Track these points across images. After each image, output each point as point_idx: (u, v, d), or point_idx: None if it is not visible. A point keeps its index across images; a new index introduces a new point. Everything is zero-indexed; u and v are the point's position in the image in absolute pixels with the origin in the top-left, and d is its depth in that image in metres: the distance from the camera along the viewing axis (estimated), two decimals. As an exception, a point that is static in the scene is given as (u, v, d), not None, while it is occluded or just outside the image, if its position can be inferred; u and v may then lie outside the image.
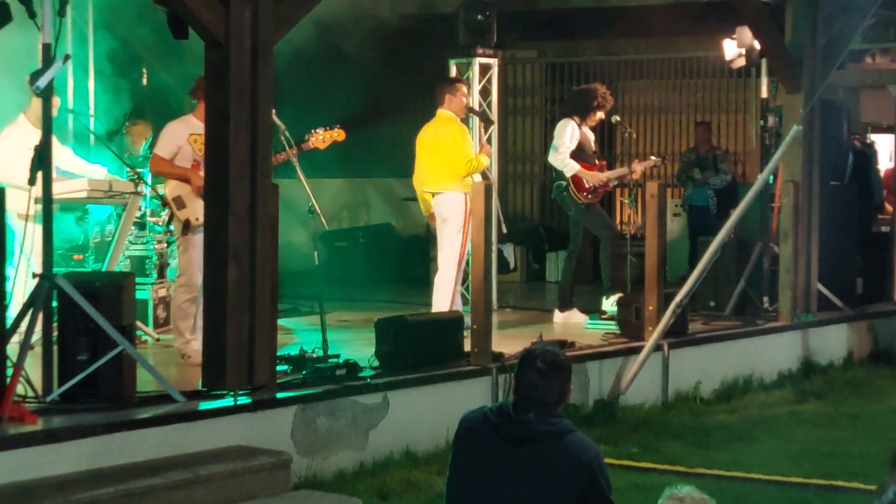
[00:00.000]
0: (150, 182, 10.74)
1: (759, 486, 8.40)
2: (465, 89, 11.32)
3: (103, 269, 10.42)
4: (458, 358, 9.51)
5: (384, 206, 18.19)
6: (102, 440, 7.17)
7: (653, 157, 12.84)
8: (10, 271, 7.80)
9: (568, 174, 11.91)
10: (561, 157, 11.92)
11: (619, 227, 13.24)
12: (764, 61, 13.15)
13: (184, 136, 9.59)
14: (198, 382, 8.16)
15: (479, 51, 13.55)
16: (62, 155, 10.17)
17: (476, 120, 13.46)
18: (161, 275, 11.19)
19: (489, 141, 12.83)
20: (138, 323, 9.41)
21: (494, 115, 13.74)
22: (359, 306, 12.66)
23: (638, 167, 12.37)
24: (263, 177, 8.12)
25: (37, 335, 7.86)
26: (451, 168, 11.04)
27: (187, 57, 10.27)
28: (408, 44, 16.69)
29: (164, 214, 10.18)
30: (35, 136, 9.85)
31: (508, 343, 10.06)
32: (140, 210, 11.13)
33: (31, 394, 7.51)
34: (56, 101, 9.86)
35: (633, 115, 18.22)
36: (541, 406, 5.11)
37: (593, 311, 12.08)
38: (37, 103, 9.84)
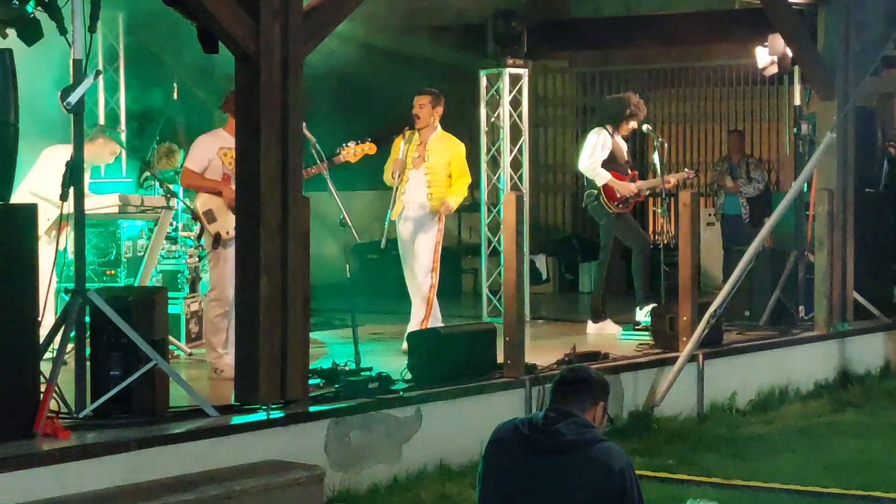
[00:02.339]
0: (181, 196, 10.75)
1: (796, 498, 8.32)
2: (413, 102, 11.07)
3: (135, 284, 10.43)
4: (491, 370, 9.47)
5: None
6: (136, 455, 7.17)
7: (686, 170, 12.78)
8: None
9: (599, 183, 11.86)
10: (592, 166, 11.87)
11: (650, 237, 13.17)
12: (796, 69, 13.07)
13: (214, 149, 9.60)
14: (230, 397, 8.15)
15: (510, 61, 13.54)
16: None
17: (504, 132, 13.45)
18: (193, 289, 11.21)
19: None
20: (171, 337, 9.41)
21: (525, 126, 13.71)
22: (391, 319, 12.62)
23: (671, 178, 12.33)
24: (295, 190, 8.11)
25: (69, 351, 7.87)
26: None
27: (217, 71, 10.28)
28: (438, 55, 16.68)
29: (196, 228, 10.19)
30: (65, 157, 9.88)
31: (542, 355, 10.02)
32: (172, 224, 11.14)
33: (64, 410, 7.51)
34: (105, 141, 9.98)
35: (665, 125, 18.17)
36: (571, 418, 5.10)
37: (627, 321, 12.03)
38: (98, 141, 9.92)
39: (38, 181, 9.80)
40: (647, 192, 12.61)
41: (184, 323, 10.85)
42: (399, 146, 10.95)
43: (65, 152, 9.86)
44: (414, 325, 10.73)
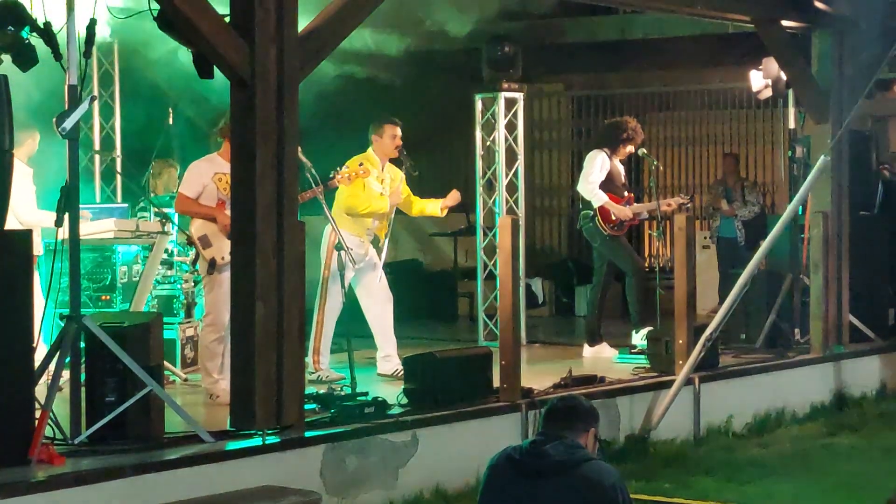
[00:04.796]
0: (176, 222, 10.75)
1: (793, 521, 8.33)
2: (395, 131, 10.77)
3: (130, 310, 10.42)
4: (487, 394, 9.46)
5: (411, 242, 18.18)
6: (131, 482, 7.16)
7: (681, 196, 12.77)
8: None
9: (596, 205, 11.88)
10: (590, 188, 11.89)
11: (644, 260, 13.13)
12: (791, 92, 13.10)
13: (209, 175, 9.60)
14: (226, 422, 8.14)
15: (505, 85, 13.55)
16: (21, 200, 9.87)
17: (500, 156, 13.46)
18: (188, 314, 11.20)
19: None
20: (166, 363, 9.40)
21: (521, 150, 13.71)
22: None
23: (672, 202, 12.32)
24: (290, 214, 8.12)
25: (64, 377, 7.86)
26: (337, 202, 10.65)
27: (213, 96, 10.28)
28: (433, 79, 16.69)
29: (191, 253, 10.20)
30: (24, 172, 9.88)
31: (538, 378, 10.02)
32: (167, 249, 11.14)
33: (59, 436, 7.51)
34: (35, 136, 9.92)
35: (661, 148, 18.18)
36: (560, 440, 5.14)
37: (623, 345, 12.02)
38: (28, 141, 9.89)
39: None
40: (646, 216, 12.61)
41: (179, 348, 10.84)
42: (367, 179, 10.59)
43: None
44: (394, 350, 10.75)
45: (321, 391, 9.25)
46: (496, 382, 9.53)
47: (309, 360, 10.28)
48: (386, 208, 10.75)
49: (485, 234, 13.82)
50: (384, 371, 10.70)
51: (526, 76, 14.04)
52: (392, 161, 10.91)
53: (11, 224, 8.77)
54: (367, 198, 10.62)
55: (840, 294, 12.58)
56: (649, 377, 10.74)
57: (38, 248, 9.63)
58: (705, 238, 16.53)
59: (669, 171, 18.19)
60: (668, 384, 10.44)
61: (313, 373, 10.32)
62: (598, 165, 11.94)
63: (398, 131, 10.82)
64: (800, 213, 12.67)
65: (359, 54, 13.09)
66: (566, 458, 5.08)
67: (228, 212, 8.73)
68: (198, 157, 9.94)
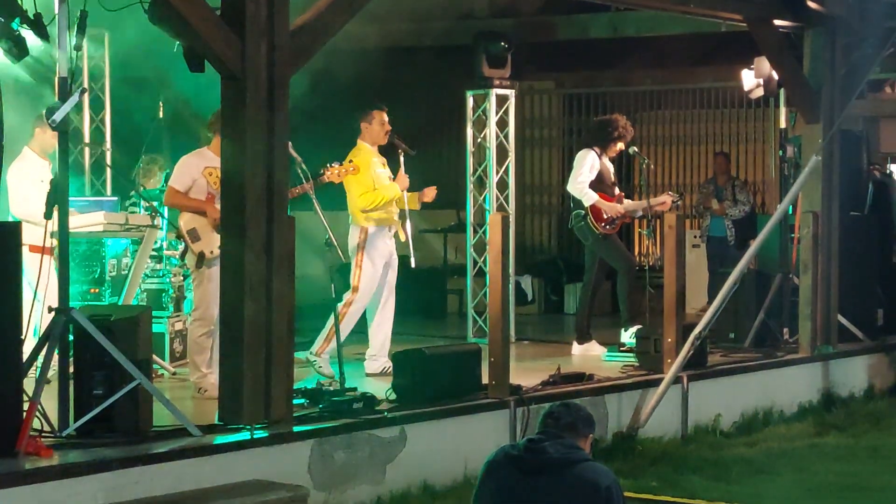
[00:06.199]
0: (165, 215, 10.75)
1: (780, 520, 8.34)
2: (382, 117, 10.76)
3: (119, 303, 10.41)
4: (475, 391, 9.46)
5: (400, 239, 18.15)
6: (119, 475, 7.15)
7: (669, 193, 12.77)
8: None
9: (586, 204, 11.87)
10: (580, 187, 11.89)
11: (636, 259, 13.12)
12: (782, 91, 13.11)
13: (199, 169, 9.59)
14: (214, 416, 8.14)
15: (497, 82, 13.54)
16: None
17: (491, 153, 13.45)
18: (177, 308, 11.19)
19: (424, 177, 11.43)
20: (154, 357, 9.39)
21: (512, 147, 13.71)
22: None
23: (667, 199, 12.29)
24: (280, 210, 8.12)
25: (53, 369, 7.85)
26: (351, 201, 10.67)
27: (203, 90, 10.26)
28: (425, 76, 16.69)
29: (180, 247, 10.19)
30: (43, 168, 9.90)
31: (526, 376, 10.02)
32: (156, 243, 11.12)
33: (47, 428, 7.50)
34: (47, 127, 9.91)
35: (652, 146, 18.19)
36: (559, 440, 5.17)
37: (612, 343, 12.03)
38: (41, 135, 9.89)
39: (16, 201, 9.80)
40: (639, 214, 12.60)
41: (168, 342, 10.84)
42: (372, 162, 10.67)
43: (26, 166, 9.88)
44: (384, 350, 10.75)
45: (309, 387, 9.25)
46: (485, 379, 9.53)
47: (316, 345, 10.35)
48: (399, 193, 10.75)
49: (475, 231, 13.81)
50: (371, 370, 10.69)
51: (517, 73, 14.03)
52: (384, 147, 10.85)
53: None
54: (380, 188, 10.63)
55: (829, 294, 12.60)
56: (638, 375, 10.74)
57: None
58: (695, 237, 16.54)
59: (660, 170, 18.21)
60: (657, 382, 10.44)
61: (312, 356, 10.31)
62: (587, 165, 11.93)
63: (386, 116, 10.78)
64: (790, 212, 12.69)
65: (348, 49, 13.07)
66: (565, 456, 5.14)
67: (219, 205, 8.71)
68: (187, 151, 9.93)
